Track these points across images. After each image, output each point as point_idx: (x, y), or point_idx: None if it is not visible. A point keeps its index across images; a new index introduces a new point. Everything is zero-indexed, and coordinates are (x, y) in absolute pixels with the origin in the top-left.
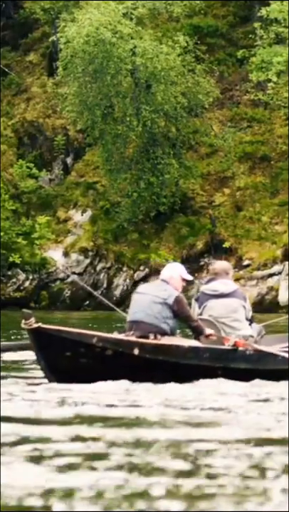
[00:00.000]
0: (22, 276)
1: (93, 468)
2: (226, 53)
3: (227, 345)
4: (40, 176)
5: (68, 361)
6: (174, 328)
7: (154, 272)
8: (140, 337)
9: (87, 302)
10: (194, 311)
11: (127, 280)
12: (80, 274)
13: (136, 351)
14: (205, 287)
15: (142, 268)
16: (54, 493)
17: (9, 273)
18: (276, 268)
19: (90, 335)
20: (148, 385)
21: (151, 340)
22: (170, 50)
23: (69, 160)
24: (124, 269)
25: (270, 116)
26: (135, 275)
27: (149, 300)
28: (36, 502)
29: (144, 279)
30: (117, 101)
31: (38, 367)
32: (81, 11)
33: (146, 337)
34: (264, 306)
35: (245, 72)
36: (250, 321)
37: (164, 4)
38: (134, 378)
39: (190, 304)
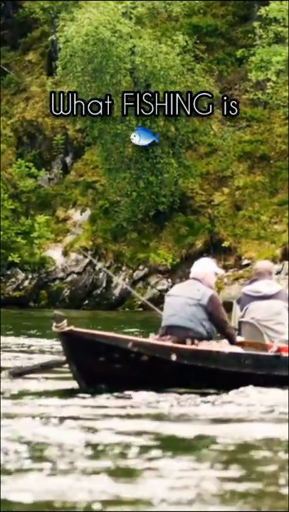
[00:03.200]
0: (21, 275)
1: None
2: (226, 53)
3: (270, 352)
4: (39, 175)
5: (102, 367)
6: (211, 330)
7: (154, 271)
8: (176, 342)
9: (86, 302)
10: (236, 313)
11: (126, 279)
12: (79, 274)
13: (173, 357)
14: (247, 288)
15: (141, 267)
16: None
17: (8, 272)
18: (275, 267)
19: (124, 339)
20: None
21: (189, 345)
22: (169, 50)
23: (68, 159)
24: (124, 268)
25: (269, 116)
26: (134, 274)
27: (183, 302)
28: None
29: (144, 278)
30: (116, 100)
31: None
32: (80, 11)
33: (183, 342)
34: None
35: (244, 72)
36: None
37: (164, 3)
38: (171, 385)
39: (228, 306)
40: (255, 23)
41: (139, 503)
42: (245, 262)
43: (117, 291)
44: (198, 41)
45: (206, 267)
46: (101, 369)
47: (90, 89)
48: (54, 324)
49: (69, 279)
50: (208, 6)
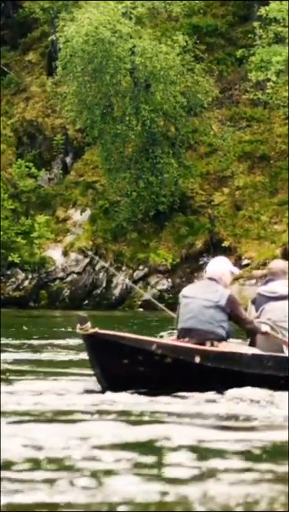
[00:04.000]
0: (21, 275)
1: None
2: (225, 53)
3: None
4: (39, 175)
5: (125, 369)
6: (230, 331)
7: (154, 271)
8: (196, 344)
9: (86, 301)
10: (251, 314)
11: (126, 279)
12: (79, 274)
13: (197, 359)
14: (262, 289)
15: (141, 267)
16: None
17: (8, 272)
18: None
19: (149, 341)
20: None
21: (213, 347)
22: (169, 50)
23: (68, 159)
24: (124, 268)
25: (269, 116)
26: (134, 274)
27: (200, 304)
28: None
29: (143, 278)
30: (116, 100)
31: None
32: (80, 11)
33: (203, 344)
34: None
35: (244, 72)
36: None
37: (164, 3)
38: (194, 388)
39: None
40: (255, 23)
41: (139, 503)
42: (245, 261)
43: (117, 291)
44: (198, 41)
45: (222, 266)
46: (125, 371)
47: (90, 89)
48: (78, 326)
49: (69, 279)
50: (208, 6)
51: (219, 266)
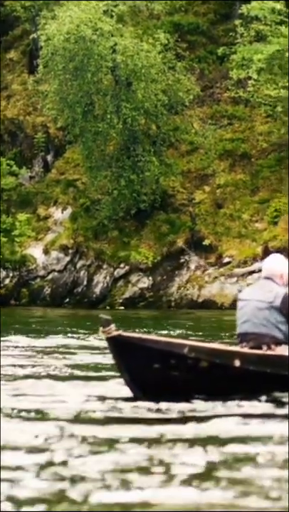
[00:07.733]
0: (2, 273)
1: None
2: (207, 51)
3: None
4: (20, 173)
5: (157, 374)
6: None
7: (135, 269)
8: (252, 349)
9: (67, 300)
10: None
11: (107, 277)
12: (60, 272)
13: (237, 363)
14: None
15: (122, 265)
16: None
17: None
18: (256, 265)
19: (180, 344)
20: None
21: (255, 350)
22: (150, 48)
23: (49, 157)
24: (105, 266)
25: (250, 114)
26: (115, 272)
27: (254, 307)
28: None
29: (124, 276)
30: (97, 98)
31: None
32: (61, 9)
33: (259, 349)
34: None
35: (225, 70)
36: None
37: (145, 2)
38: (234, 393)
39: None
40: (237, 22)
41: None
42: (226, 260)
43: (98, 289)
44: (179, 39)
45: (280, 264)
46: (156, 377)
47: (71, 87)
48: (101, 329)
49: (50, 277)
50: (189, 4)
51: (277, 264)
